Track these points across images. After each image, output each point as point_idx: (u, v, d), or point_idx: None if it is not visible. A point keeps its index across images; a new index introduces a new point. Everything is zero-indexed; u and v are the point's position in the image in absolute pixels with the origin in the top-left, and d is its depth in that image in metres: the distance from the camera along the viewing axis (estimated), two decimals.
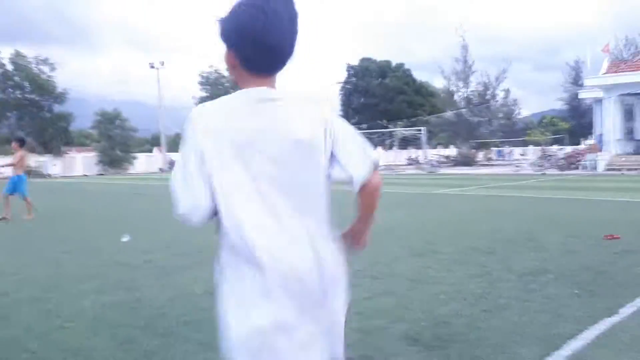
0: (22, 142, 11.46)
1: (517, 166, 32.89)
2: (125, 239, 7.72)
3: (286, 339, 1.49)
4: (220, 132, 1.50)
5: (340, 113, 61.84)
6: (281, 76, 1.63)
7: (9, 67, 39.40)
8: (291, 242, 1.50)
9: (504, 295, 4.44)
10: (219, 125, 1.51)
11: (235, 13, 1.55)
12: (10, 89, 39.39)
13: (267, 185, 1.50)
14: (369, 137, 46.18)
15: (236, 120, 1.52)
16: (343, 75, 62.23)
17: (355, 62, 62.07)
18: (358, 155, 1.58)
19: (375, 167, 1.59)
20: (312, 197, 1.56)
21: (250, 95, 1.55)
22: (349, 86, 61.74)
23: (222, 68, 54.31)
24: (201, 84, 53.99)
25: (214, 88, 53.53)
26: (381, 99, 57.48)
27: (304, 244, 1.52)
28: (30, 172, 37.57)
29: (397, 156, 48.16)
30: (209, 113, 1.54)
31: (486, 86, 41.56)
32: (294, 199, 1.53)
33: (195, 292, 4.75)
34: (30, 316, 4.15)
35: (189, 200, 1.52)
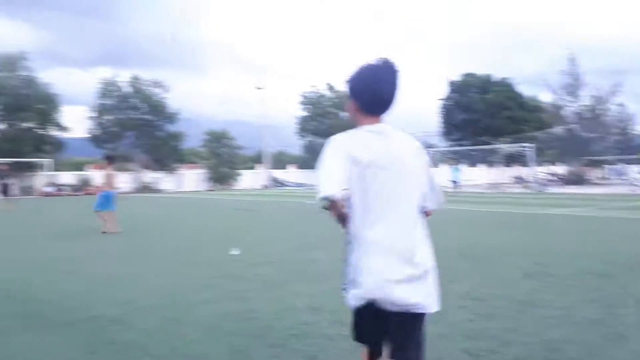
0: (111, 160, 12.17)
1: (634, 185, 30.53)
2: (234, 252, 8.09)
3: None
4: (352, 152, 2.20)
5: (442, 130, 60.82)
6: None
7: (128, 89, 42.71)
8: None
9: (624, 322, 4.18)
10: (351, 147, 2.23)
11: (358, 76, 2.32)
12: (128, 110, 42.62)
13: (379, 189, 2.22)
14: (471, 155, 44.85)
15: (364, 145, 2.24)
16: (444, 91, 61.11)
17: (457, 77, 60.82)
18: (436, 195, 2.38)
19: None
20: (405, 196, 2.26)
21: (372, 129, 2.29)
22: (450, 102, 60.52)
23: (323, 88, 55.45)
24: (302, 103, 55.37)
25: (315, 108, 54.65)
26: (483, 115, 55.70)
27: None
28: (146, 188, 40.37)
29: (502, 174, 46.38)
30: (344, 138, 2.27)
31: (598, 100, 39.11)
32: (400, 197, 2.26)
33: (298, 306, 4.89)
34: (152, 323, 4.47)
35: (329, 185, 2.12)
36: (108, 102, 42.38)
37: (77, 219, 16.25)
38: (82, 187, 38.55)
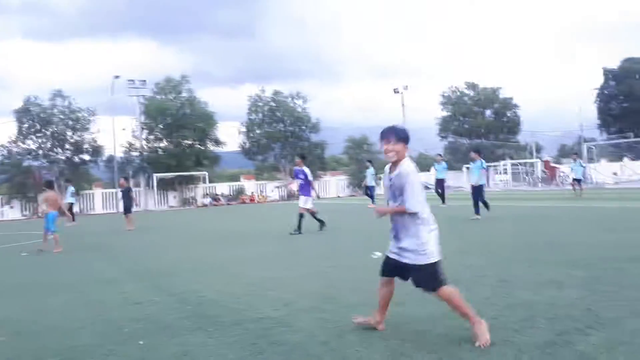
0: (50, 185, 13.48)
1: None
2: (375, 255, 8.13)
3: None
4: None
5: (598, 122, 56.06)
6: None
7: (272, 104, 44.97)
8: None
9: None
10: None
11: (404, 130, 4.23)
12: (274, 123, 44.88)
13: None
14: (635, 147, 40.49)
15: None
16: (600, 80, 56.11)
17: (615, 64, 55.54)
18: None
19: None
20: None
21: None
22: (607, 91, 55.47)
23: (463, 87, 53.81)
24: (443, 104, 54.25)
25: (456, 107, 53.23)
26: None
27: None
28: (293, 196, 42.13)
29: None
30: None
31: None
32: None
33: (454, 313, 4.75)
34: (312, 324, 4.63)
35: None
36: (256, 116, 45.00)
37: (232, 225, 17.41)
38: (237, 196, 41.29)
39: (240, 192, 42.28)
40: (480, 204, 14.11)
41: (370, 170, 23.35)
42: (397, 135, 4.04)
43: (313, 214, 13.10)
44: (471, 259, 7.69)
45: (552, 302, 4.87)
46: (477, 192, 14.15)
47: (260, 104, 44.92)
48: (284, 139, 44.58)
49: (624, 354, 3.46)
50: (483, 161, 14.49)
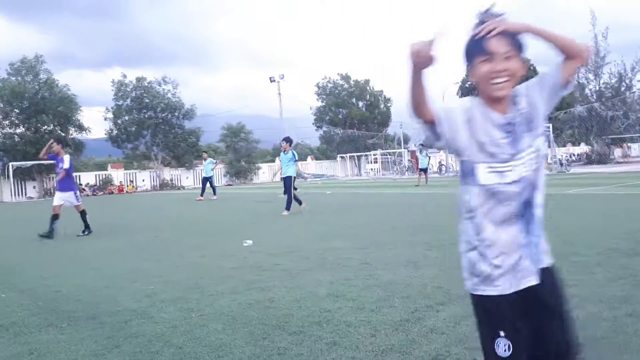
0: None
1: None
2: (247, 243, 8.15)
3: None
4: None
5: None
6: None
7: (139, 89, 42.84)
8: None
9: None
10: None
11: None
12: (144, 110, 42.82)
13: None
14: None
15: None
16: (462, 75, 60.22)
17: None
18: None
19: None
20: None
21: None
22: (468, 85, 59.69)
23: (337, 78, 55.16)
24: (318, 94, 55.22)
25: (330, 97, 54.48)
26: None
27: None
28: (166, 185, 40.78)
29: None
30: None
31: (621, 78, 38.37)
32: None
33: (319, 294, 4.88)
34: (174, 315, 4.50)
35: None
36: (123, 102, 42.69)
37: (99, 217, 16.44)
38: (104, 186, 39.05)
39: (107, 181, 40.01)
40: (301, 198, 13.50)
41: (210, 160, 23.02)
42: (518, 43, 1.92)
43: (82, 213, 11.15)
44: (337, 242, 7.92)
45: (408, 282, 5.16)
46: (288, 184, 13.35)
47: (127, 89, 42.63)
48: (155, 126, 42.77)
49: (467, 326, 3.74)
50: (294, 152, 13.64)
